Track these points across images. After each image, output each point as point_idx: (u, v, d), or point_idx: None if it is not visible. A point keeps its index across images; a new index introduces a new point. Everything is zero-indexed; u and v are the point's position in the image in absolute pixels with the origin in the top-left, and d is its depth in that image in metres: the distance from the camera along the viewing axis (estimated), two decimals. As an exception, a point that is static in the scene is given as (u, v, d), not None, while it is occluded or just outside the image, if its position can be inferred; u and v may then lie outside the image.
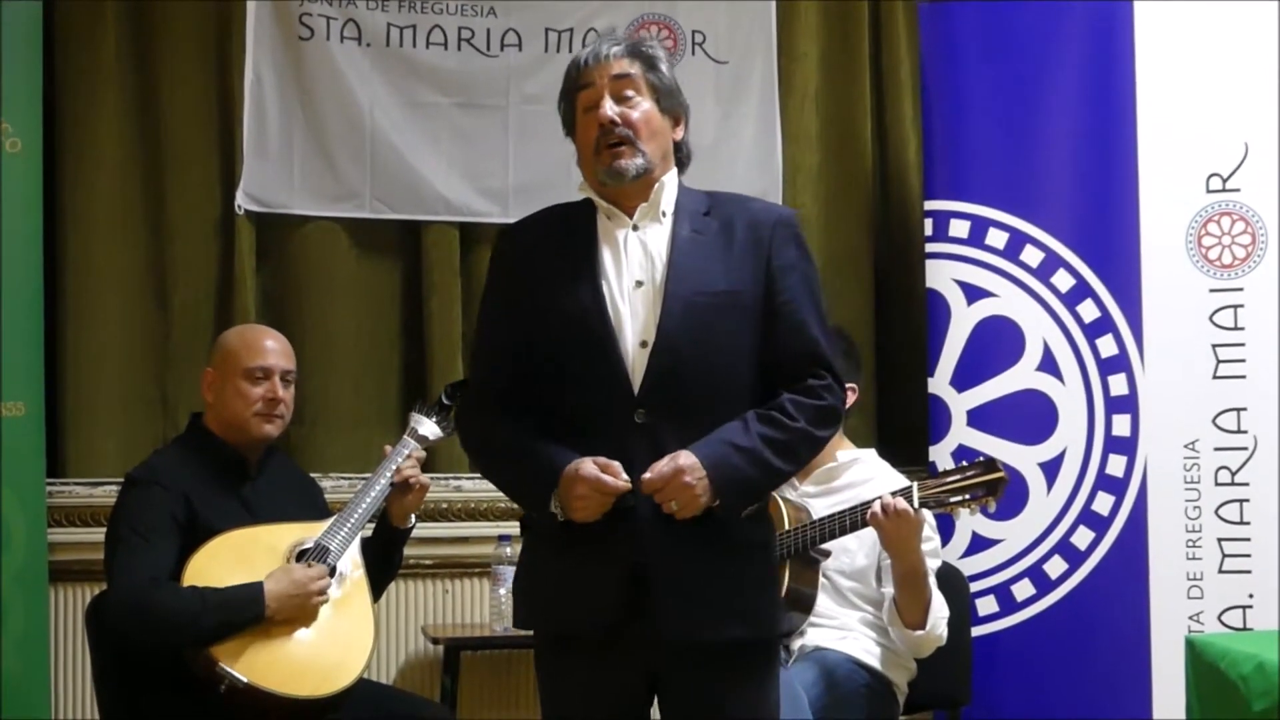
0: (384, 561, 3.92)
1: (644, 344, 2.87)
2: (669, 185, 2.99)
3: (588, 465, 2.80)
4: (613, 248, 2.94)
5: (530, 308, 2.93)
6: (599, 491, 2.79)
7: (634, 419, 2.84)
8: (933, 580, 3.92)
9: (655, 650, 2.88)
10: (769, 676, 2.98)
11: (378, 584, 3.88)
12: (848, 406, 4.16)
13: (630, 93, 2.94)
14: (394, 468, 3.88)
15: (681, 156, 3.04)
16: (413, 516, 3.95)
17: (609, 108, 2.92)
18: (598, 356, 2.87)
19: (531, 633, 3.05)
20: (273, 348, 3.91)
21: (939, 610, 3.89)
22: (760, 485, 2.90)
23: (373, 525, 3.91)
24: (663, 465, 2.79)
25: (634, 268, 2.92)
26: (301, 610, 3.64)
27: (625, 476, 2.80)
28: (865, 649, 3.95)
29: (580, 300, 2.89)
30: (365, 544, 3.87)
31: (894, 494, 3.78)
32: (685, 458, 2.80)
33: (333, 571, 3.72)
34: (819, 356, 2.94)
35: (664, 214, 2.96)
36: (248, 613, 3.57)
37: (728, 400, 2.90)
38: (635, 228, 2.95)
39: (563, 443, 2.86)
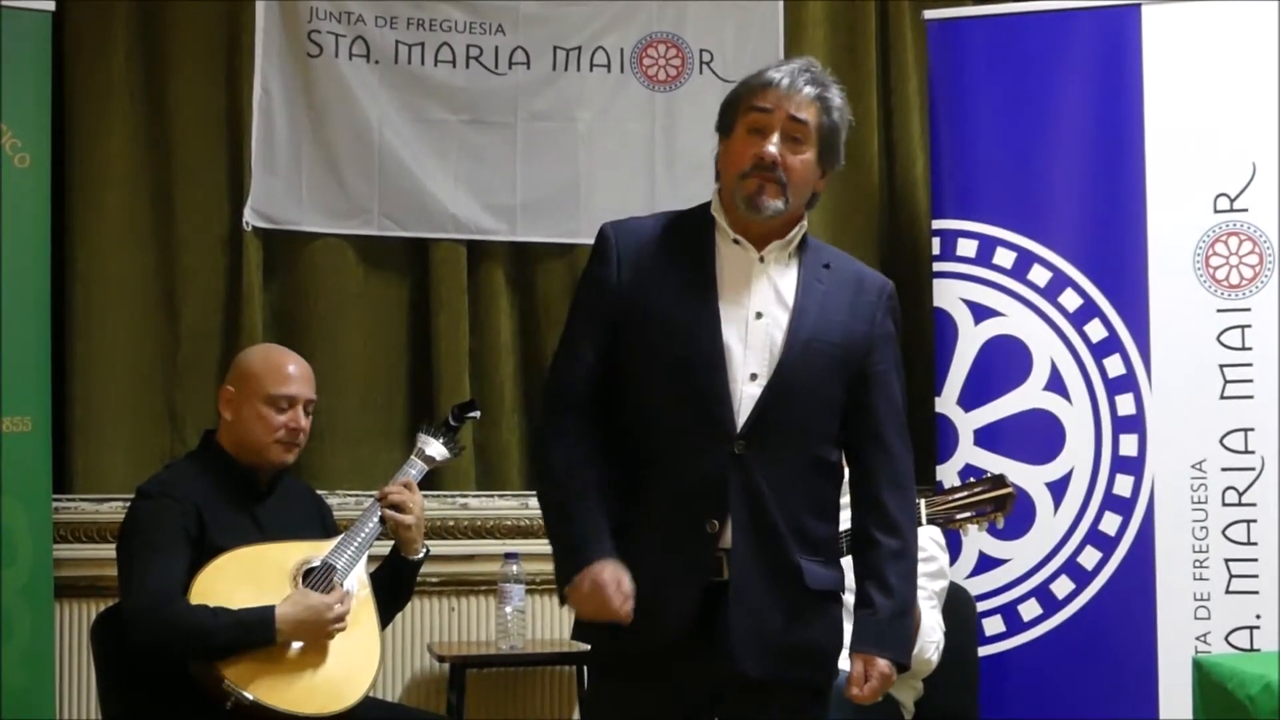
0: (393, 592, 3.91)
1: (753, 376, 2.87)
2: (803, 228, 2.98)
3: (608, 571, 2.80)
4: (734, 274, 2.92)
5: (635, 317, 2.90)
6: (598, 596, 2.80)
7: (733, 450, 2.84)
8: (933, 603, 3.89)
9: (720, 676, 2.87)
10: (822, 711, 3.03)
11: (385, 613, 3.87)
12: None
13: (800, 138, 2.90)
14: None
15: (811, 202, 3.00)
16: (424, 549, 3.95)
17: (774, 145, 2.88)
18: (705, 382, 2.85)
19: (588, 647, 3.01)
20: (298, 375, 3.86)
21: (929, 634, 3.83)
22: (910, 622, 3.01)
23: (384, 550, 3.91)
24: (875, 685, 2.91)
25: (756, 299, 2.91)
26: (315, 637, 3.63)
27: (629, 607, 2.80)
28: (872, 669, 3.92)
29: (692, 321, 2.87)
30: (376, 575, 3.85)
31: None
32: (884, 665, 2.91)
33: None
34: (902, 425, 3.00)
35: (792, 255, 2.96)
36: (258, 635, 3.55)
37: (815, 446, 2.92)
38: (762, 259, 2.93)
39: (651, 467, 2.87)
